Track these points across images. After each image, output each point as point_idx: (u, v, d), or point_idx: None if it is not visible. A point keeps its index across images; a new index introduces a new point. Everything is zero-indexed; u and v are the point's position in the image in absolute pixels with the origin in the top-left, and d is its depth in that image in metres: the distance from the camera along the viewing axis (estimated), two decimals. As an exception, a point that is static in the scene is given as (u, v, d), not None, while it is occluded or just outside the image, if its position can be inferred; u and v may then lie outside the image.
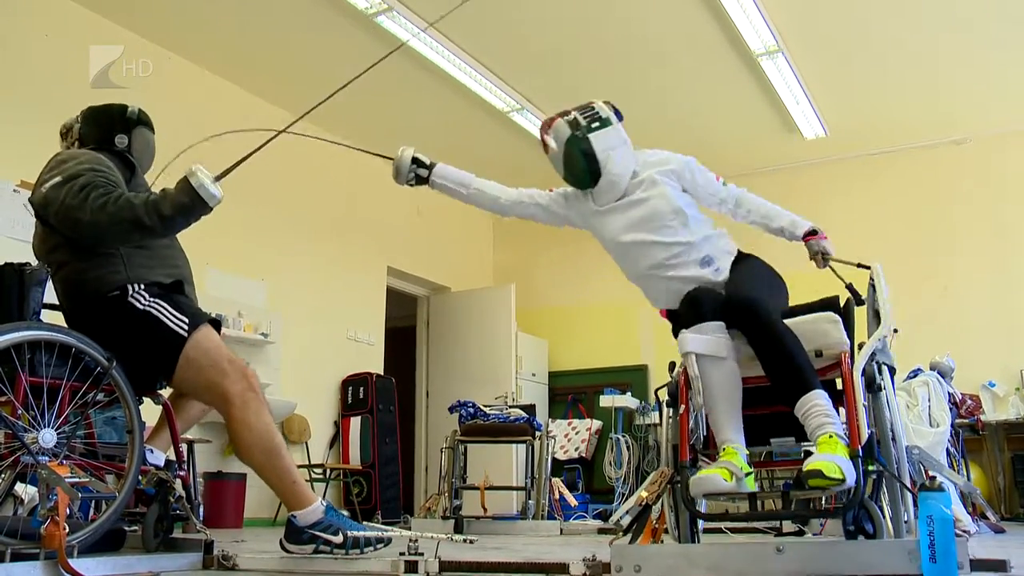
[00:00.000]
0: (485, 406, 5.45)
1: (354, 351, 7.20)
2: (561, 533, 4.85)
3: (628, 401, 7.61)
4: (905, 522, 2.07)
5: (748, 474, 2.09)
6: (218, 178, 2.49)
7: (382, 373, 7.32)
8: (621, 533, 2.34)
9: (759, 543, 1.92)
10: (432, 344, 8.32)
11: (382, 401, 7.04)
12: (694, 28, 5.65)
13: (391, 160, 2.76)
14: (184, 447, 2.81)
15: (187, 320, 2.54)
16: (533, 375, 8.23)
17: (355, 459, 6.77)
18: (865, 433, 2.02)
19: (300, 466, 4.55)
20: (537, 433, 5.34)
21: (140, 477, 2.53)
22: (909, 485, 2.08)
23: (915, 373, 5.02)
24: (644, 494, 2.21)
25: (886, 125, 7.08)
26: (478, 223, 8.84)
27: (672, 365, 2.40)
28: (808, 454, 2.38)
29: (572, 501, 5.51)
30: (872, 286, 2.34)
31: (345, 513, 2.97)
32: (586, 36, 5.81)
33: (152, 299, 2.53)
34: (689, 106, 6.76)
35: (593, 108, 2.64)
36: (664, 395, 2.36)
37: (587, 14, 5.53)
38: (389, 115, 6.84)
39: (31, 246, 2.73)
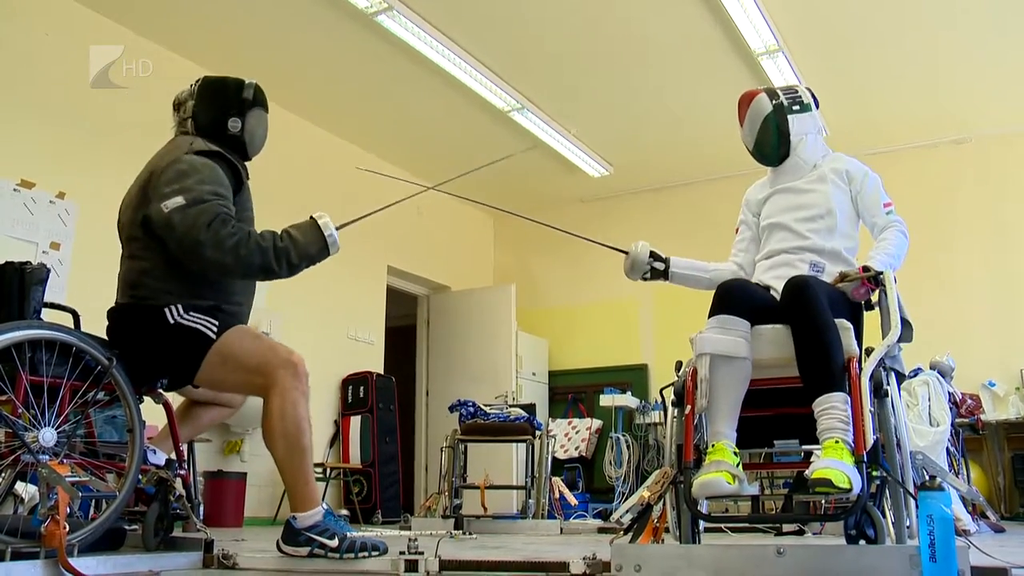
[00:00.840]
0: (485, 405, 5.45)
1: (354, 350, 7.20)
2: (561, 532, 4.85)
3: (628, 400, 7.61)
4: (908, 527, 2.07)
5: (737, 464, 2.10)
6: (340, 227, 2.48)
7: (382, 372, 7.32)
8: (622, 532, 2.33)
9: (760, 545, 1.91)
10: (432, 343, 8.32)
11: (382, 400, 7.04)
12: (694, 28, 5.65)
13: (624, 253, 2.70)
14: (184, 446, 2.81)
15: (216, 323, 2.51)
16: (533, 374, 8.23)
17: (355, 458, 6.77)
18: (871, 439, 2.02)
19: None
20: (537, 432, 5.34)
21: (140, 476, 2.53)
22: (912, 491, 2.08)
23: (915, 372, 5.02)
24: (646, 494, 2.20)
25: (886, 124, 7.08)
26: (478, 223, 8.85)
27: (679, 364, 2.38)
28: (808, 454, 2.38)
29: (572, 500, 5.51)
30: (883, 292, 2.34)
31: (345, 513, 2.96)
32: (586, 36, 5.80)
33: (186, 313, 2.50)
34: (689, 106, 6.75)
35: (796, 91, 2.67)
36: (670, 394, 2.35)
37: (587, 14, 5.53)
38: (389, 114, 6.85)
39: (116, 220, 2.66)
